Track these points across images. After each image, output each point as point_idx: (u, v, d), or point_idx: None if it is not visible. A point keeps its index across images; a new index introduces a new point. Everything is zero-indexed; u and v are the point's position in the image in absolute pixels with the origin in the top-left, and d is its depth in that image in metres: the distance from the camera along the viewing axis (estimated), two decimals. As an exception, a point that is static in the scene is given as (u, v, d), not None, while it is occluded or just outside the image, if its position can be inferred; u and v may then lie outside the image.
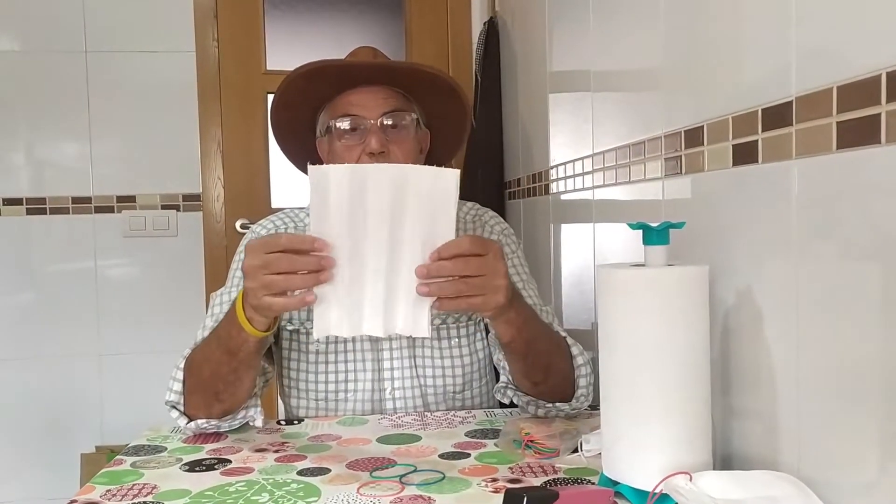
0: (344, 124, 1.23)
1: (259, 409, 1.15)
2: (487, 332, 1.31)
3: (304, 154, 1.36)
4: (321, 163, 1.31)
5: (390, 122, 1.23)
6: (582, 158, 1.46)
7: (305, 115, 1.31)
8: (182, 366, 1.13)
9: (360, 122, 1.22)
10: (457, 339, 1.31)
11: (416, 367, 1.29)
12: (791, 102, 0.75)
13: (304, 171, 1.41)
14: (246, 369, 1.08)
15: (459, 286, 0.93)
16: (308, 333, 1.28)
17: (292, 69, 1.24)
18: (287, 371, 1.31)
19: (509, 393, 1.18)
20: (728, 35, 0.88)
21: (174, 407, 1.13)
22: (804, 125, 0.73)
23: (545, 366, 1.12)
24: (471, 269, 0.93)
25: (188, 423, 1.12)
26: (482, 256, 0.94)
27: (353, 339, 1.28)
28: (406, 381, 1.28)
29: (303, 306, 0.96)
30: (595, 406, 1.20)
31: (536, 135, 1.85)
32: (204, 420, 1.11)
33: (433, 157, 1.35)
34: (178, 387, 1.12)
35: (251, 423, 1.16)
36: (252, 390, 1.13)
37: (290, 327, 1.28)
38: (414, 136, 1.27)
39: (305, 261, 0.92)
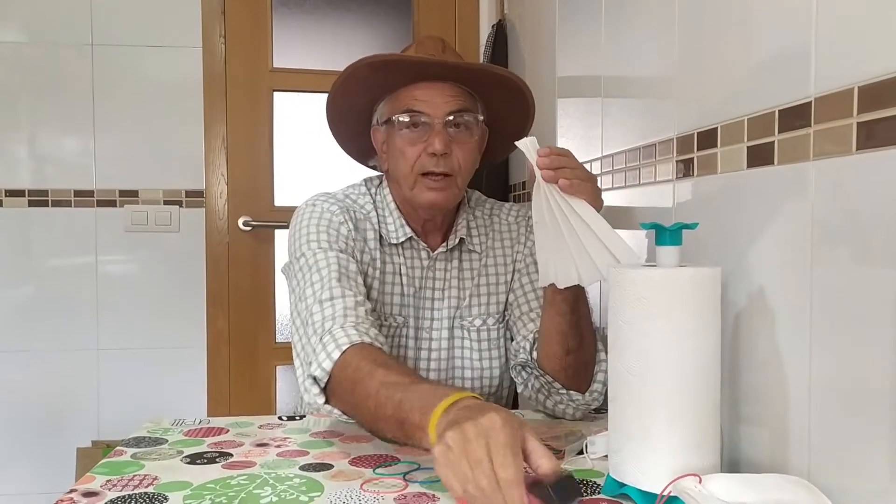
0: (408, 119, 1.20)
1: None
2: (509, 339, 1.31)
3: (354, 140, 1.34)
4: (373, 151, 1.30)
5: (455, 122, 1.20)
6: (591, 161, 1.45)
7: (364, 104, 1.27)
8: (336, 358, 1.00)
9: (425, 119, 1.19)
10: (497, 341, 1.30)
11: (454, 368, 1.28)
12: (810, 103, 0.74)
13: (353, 155, 1.38)
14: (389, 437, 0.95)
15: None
16: None
17: (354, 61, 1.19)
18: None
19: (524, 374, 1.18)
20: (744, 36, 0.88)
21: (316, 382, 1.02)
22: (823, 126, 0.72)
23: (581, 332, 1.10)
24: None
25: (325, 402, 1.01)
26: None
27: (393, 345, 1.25)
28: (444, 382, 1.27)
29: None
30: (599, 409, 1.19)
31: (543, 138, 1.84)
32: (339, 412, 1.01)
33: (486, 155, 1.32)
34: (328, 365, 1.00)
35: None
36: None
37: None
38: (477, 139, 1.24)
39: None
